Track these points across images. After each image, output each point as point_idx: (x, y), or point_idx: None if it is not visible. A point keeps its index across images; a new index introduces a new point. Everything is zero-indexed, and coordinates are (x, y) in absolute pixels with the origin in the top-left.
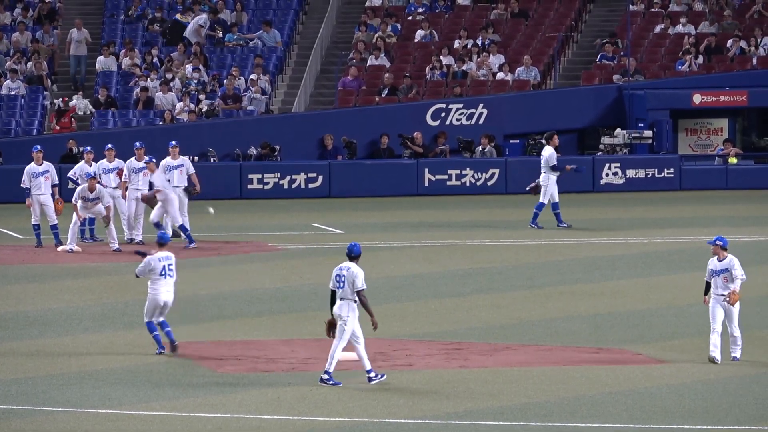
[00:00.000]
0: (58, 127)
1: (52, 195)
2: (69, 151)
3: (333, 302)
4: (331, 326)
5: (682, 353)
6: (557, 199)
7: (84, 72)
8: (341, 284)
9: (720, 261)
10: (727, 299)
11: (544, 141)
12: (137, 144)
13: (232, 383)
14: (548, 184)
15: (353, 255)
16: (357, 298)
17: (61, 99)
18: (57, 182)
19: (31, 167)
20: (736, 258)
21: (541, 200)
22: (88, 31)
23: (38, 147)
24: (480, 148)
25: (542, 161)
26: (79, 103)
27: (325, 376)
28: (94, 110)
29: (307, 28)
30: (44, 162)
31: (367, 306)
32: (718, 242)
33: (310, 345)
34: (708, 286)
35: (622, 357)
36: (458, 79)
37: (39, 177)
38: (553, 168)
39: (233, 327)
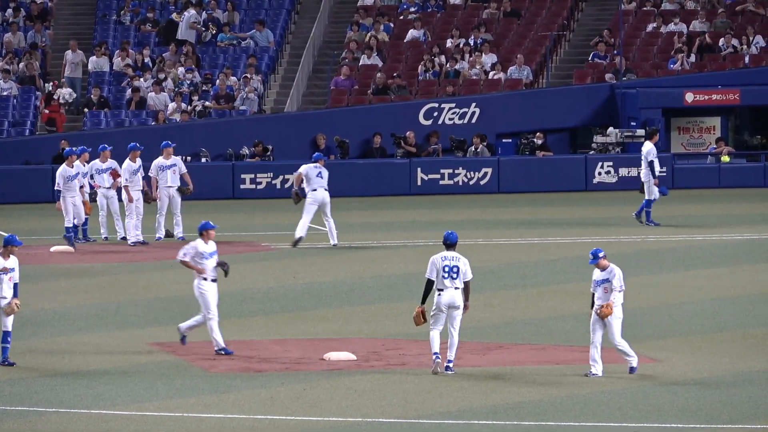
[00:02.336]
0: (47, 111)
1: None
2: (61, 151)
3: (427, 292)
4: (423, 315)
5: (675, 352)
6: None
7: (79, 95)
8: (454, 274)
9: (602, 271)
10: (598, 311)
11: (644, 137)
12: (134, 145)
13: (225, 383)
14: (649, 180)
15: (452, 242)
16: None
17: (51, 84)
18: (82, 184)
19: (65, 170)
20: (618, 268)
21: (647, 198)
22: (83, 53)
23: (74, 149)
24: (473, 148)
25: (642, 157)
26: (63, 91)
27: (451, 365)
28: (75, 95)
29: (299, 27)
30: (75, 164)
31: (469, 293)
32: (592, 254)
33: (303, 345)
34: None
35: (615, 355)
36: (450, 78)
37: (73, 180)
38: (651, 164)
39: (226, 327)
